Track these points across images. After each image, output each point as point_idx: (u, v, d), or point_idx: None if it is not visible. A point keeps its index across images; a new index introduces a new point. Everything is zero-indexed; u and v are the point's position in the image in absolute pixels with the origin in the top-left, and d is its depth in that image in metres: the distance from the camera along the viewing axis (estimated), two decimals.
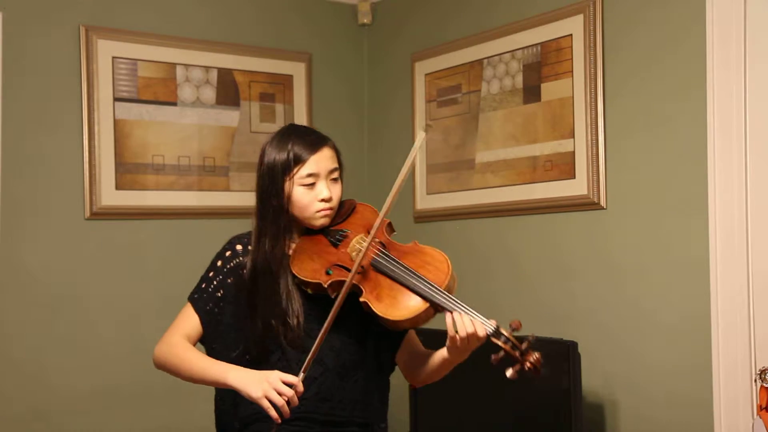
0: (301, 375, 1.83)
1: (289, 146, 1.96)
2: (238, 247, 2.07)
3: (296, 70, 3.82)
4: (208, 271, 2.08)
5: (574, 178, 3.05)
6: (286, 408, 1.80)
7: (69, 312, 3.26)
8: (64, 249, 3.26)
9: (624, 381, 2.88)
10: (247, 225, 3.64)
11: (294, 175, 1.95)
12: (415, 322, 1.85)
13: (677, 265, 2.73)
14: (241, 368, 1.90)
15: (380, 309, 1.84)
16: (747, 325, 2.53)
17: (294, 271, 1.95)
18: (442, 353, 1.91)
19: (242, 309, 1.99)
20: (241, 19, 3.70)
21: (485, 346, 1.81)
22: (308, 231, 2.03)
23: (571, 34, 3.06)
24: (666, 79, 2.78)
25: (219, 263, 2.06)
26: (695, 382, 2.67)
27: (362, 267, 1.89)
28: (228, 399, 2.07)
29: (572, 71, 3.06)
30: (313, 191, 1.96)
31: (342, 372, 1.97)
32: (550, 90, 3.15)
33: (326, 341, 1.86)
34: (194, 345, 2.04)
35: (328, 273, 1.91)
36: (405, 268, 1.89)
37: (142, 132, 3.43)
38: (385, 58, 3.96)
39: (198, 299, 2.05)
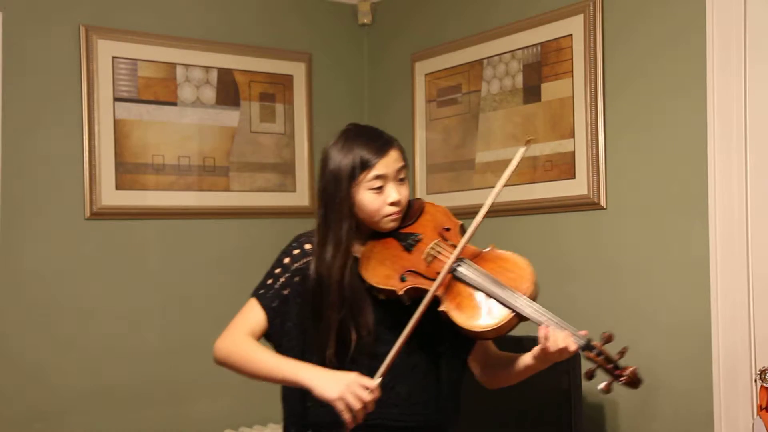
0: (378, 380, 1.77)
1: (356, 150, 1.88)
2: (307, 246, 1.98)
3: (296, 70, 3.82)
4: (274, 267, 2.00)
5: (574, 178, 3.05)
6: (362, 413, 1.74)
7: (69, 312, 3.26)
8: (64, 249, 3.26)
9: None
10: (248, 225, 3.67)
11: (362, 180, 1.87)
12: (499, 332, 1.78)
13: (677, 265, 2.73)
14: (316, 367, 1.83)
15: (461, 320, 1.78)
16: (747, 325, 2.53)
17: (365, 277, 1.88)
18: (526, 361, 1.86)
19: (307, 310, 1.93)
20: (241, 19, 3.70)
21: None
22: (375, 234, 1.95)
23: (571, 34, 3.06)
24: (666, 79, 2.78)
25: (287, 260, 1.99)
26: (695, 382, 2.67)
27: (438, 273, 1.81)
28: (296, 402, 1.97)
29: (572, 71, 3.06)
30: (381, 195, 1.89)
31: (413, 376, 1.92)
32: (550, 90, 3.15)
33: (390, 347, 1.80)
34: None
35: (402, 280, 1.84)
36: (486, 276, 1.81)
37: (142, 132, 3.43)
38: (385, 58, 3.96)
39: (264, 295, 1.96)
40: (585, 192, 3.01)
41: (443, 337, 1.93)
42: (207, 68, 3.59)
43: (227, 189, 3.63)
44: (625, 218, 2.90)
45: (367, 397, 1.74)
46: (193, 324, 3.51)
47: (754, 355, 2.53)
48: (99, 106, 3.32)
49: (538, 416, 2.82)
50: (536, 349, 1.80)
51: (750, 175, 2.55)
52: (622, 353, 1.76)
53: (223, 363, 1.96)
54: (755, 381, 2.50)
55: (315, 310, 1.91)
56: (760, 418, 2.35)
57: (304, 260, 1.96)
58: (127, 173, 3.39)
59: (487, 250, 1.90)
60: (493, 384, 2.02)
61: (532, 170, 3.20)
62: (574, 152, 3.05)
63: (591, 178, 2.98)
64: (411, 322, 1.78)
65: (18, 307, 3.17)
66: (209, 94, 3.60)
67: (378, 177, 1.87)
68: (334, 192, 1.89)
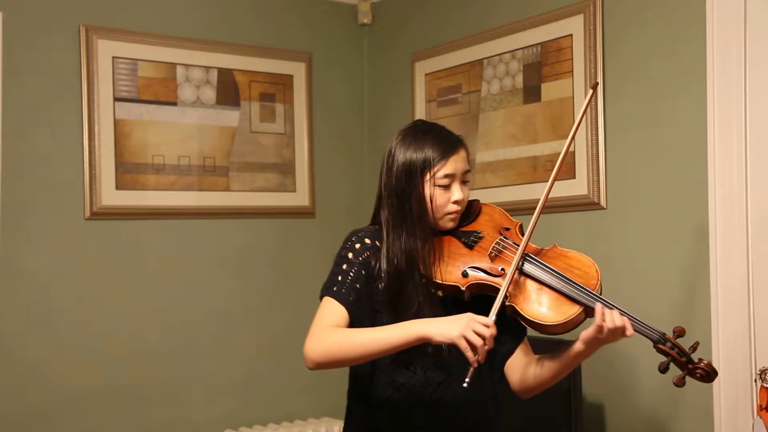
0: (494, 317, 1.76)
1: (428, 146, 1.93)
2: (367, 240, 1.98)
3: (296, 70, 3.82)
4: (339, 264, 1.97)
5: (574, 178, 3.05)
6: (484, 348, 1.73)
7: (69, 312, 3.26)
8: (64, 249, 3.26)
9: (624, 381, 2.87)
10: (248, 225, 3.67)
11: (432, 175, 1.91)
12: (567, 327, 1.80)
13: (677, 265, 2.73)
14: (426, 319, 1.82)
15: (530, 312, 1.80)
16: (747, 325, 2.53)
17: (425, 274, 1.90)
18: (576, 348, 1.84)
19: (372, 304, 1.94)
20: (241, 19, 3.70)
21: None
22: (435, 233, 1.97)
23: (571, 34, 3.06)
24: (666, 79, 2.78)
25: (351, 256, 1.97)
26: (695, 382, 2.66)
27: (502, 269, 1.85)
28: (361, 385, 2.00)
29: (572, 71, 3.06)
30: (447, 193, 1.93)
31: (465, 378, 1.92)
32: (550, 90, 3.15)
33: (450, 347, 1.81)
34: None
35: (464, 275, 1.87)
36: (553, 271, 1.85)
37: (142, 132, 3.43)
38: (385, 58, 3.96)
39: (338, 292, 1.93)
40: (585, 192, 3.01)
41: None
42: (207, 68, 3.59)
43: (227, 189, 3.63)
44: (625, 218, 2.90)
45: (486, 332, 1.73)
46: (193, 324, 3.52)
47: (754, 355, 2.52)
48: (99, 106, 3.32)
49: (539, 416, 2.82)
50: (590, 330, 1.80)
51: (750, 175, 2.55)
52: (694, 347, 1.78)
53: (322, 362, 1.87)
54: (755, 381, 2.49)
55: (385, 306, 1.91)
56: (760, 418, 2.35)
57: (367, 253, 1.96)
58: (127, 173, 3.39)
59: (549, 247, 1.94)
60: (531, 388, 1.98)
61: (532, 170, 3.20)
62: (574, 152, 3.05)
63: (591, 178, 2.98)
64: (494, 308, 1.78)
65: (18, 307, 3.17)
66: (209, 94, 3.60)
67: (447, 176, 1.92)
68: (405, 185, 1.92)
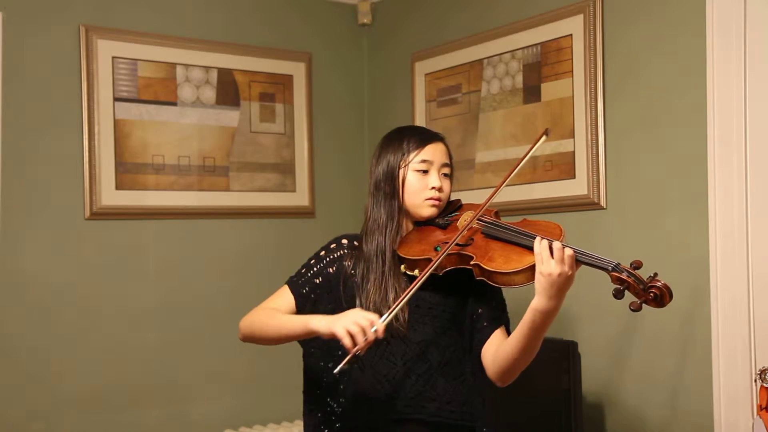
0: (382, 322, 1.80)
1: (407, 136, 2.06)
2: (344, 240, 2.13)
3: (296, 70, 3.82)
4: (310, 259, 2.13)
5: (574, 178, 3.05)
6: (361, 337, 1.76)
7: (68, 312, 3.26)
8: (64, 249, 3.26)
9: (624, 381, 2.88)
10: (248, 225, 3.67)
11: (409, 161, 2.02)
12: (531, 275, 1.81)
13: (677, 265, 2.73)
14: (325, 316, 1.91)
15: (493, 266, 1.84)
16: (747, 325, 2.53)
17: (401, 254, 1.98)
18: (533, 302, 1.81)
19: (341, 298, 2.03)
20: (241, 19, 3.70)
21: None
22: (417, 225, 2.07)
23: (571, 34, 3.06)
24: (666, 79, 2.78)
25: (322, 253, 2.12)
26: (695, 382, 2.67)
27: (471, 239, 1.93)
28: (316, 369, 2.11)
29: (572, 71, 3.06)
30: (425, 178, 2.02)
31: (446, 369, 1.97)
32: (550, 90, 3.15)
33: (430, 336, 1.92)
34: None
35: (436, 249, 1.93)
36: (517, 230, 1.90)
37: (142, 132, 3.43)
38: (385, 58, 3.96)
39: (295, 282, 2.10)
40: (585, 192, 3.01)
41: (475, 329, 2.01)
42: (207, 68, 3.59)
43: (227, 189, 3.63)
44: (625, 218, 2.90)
45: (366, 323, 1.78)
46: (193, 324, 3.51)
47: (754, 355, 2.53)
48: (99, 106, 3.32)
49: (538, 416, 2.82)
50: (536, 275, 1.79)
51: (750, 175, 2.55)
52: (652, 276, 1.77)
53: (246, 336, 2.08)
54: (755, 381, 2.49)
55: (355, 291, 2.01)
56: (760, 418, 2.35)
57: (340, 252, 2.09)
58: (127, 173, 3.39)
59: (519, 220, 1.99)
60: (503, 369, 1.94)
61: (532, 170, 3.20)
62: (574, 152, 3.05)
63: (591, 178, 2.98)
64: (436, 258, 1.87)
65: (18, 307, 3.17)
66: (209, 94, 3.60)
67: (424, 161, 2.02)
68: (385, 174, 2.05)
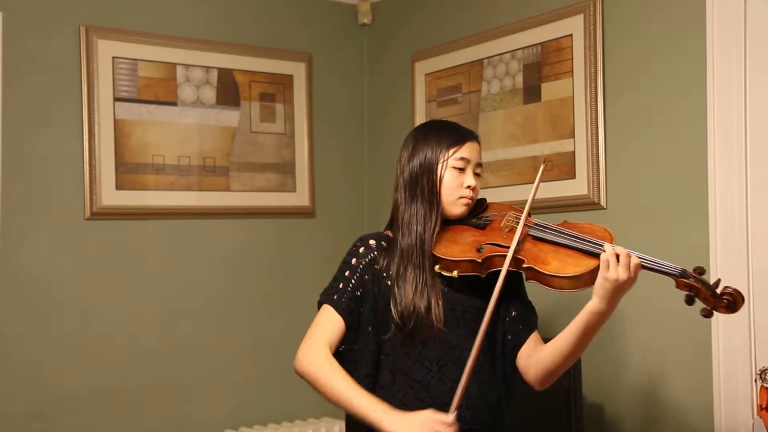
0: (454, 413, 1.78)
1: (446, 133, 2.03)
2: (371, 242, 2.04)
3: (296, 70, 3.82)
4: (342, 270, 2.02)
5: (574, 178, 3.05)
6: None
7: (68, 312, 3.26)
8: (64, 249, 3.26)
9: (624, 381, 2.87)
10: (248, 225, 3.67)
11: (449, 156, 1.99)
12: (589, 280, 1.80)
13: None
14: (388, 408, 1.84)
15: (549, 269, 1.81)
16: (747, 325, 2.53)
17: (438, 254, 1.93)
18: (591, 303, 1.81)
19: (378, 304, 1.97)
20: (241, 19, 3.70)
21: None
22: (446, 223, 2.01)
23: (571, 34, 3.06)
24: (666, 79, 2.78)
25: (353, 261, 2.02)
26: (695, 382, 2.67)
27: (520, 241, 1.89)
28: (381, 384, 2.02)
29: (572, 71, 3.06)
30: (461, 177, 2.00)
31: (479, 376, 1.93)
32: (550, 90, 3.15)
33: (464, 339, 1.87)
34: (336, 347, 1.98)
35: (479, 250, 1.90)
36: (567, 233, 1.88)
37: (142, 132, 3.43)
38: (385, 58, 3.96)
39: (338, 301, 1.98)
40: (585, 192, 3.01)
41: (503, 334, 1.98)
42: (207, 68, 3.59)
43: (227, 189, 3.63)
44: (625, 218, 2.90)
45: (443, 429, 1.76)
46: (193, 324, 3.51)
47: (754, 355, 2.53)
48: (99, 106, 3.32)
49: (539, 416, 2.82)
50: (597, 279, 1.78)
51: (750, 175, 2.55)
52: (716, 283, 1.78)
53: (303, 377, 1.97)
54: (755, 381, 2.49)
55: (390, 295, 1.94)
56: (760, 418, 2.35)
57: (371, 255, 2.01)
58: (127, 173, 3.39)
59: (560, 223, 1.97)
60: (548, 375, 1.95)
61: (532, 170, 3.20)
62: (574, 152, 3.05)
63: (591, 178, 2.98)
64: (499, 282, 1.82)
65: (18, 307, 3.17)
66: (209, 94, 3.60)
67: (463, 158, 2.00)
68: (422, 168, 2.00)
